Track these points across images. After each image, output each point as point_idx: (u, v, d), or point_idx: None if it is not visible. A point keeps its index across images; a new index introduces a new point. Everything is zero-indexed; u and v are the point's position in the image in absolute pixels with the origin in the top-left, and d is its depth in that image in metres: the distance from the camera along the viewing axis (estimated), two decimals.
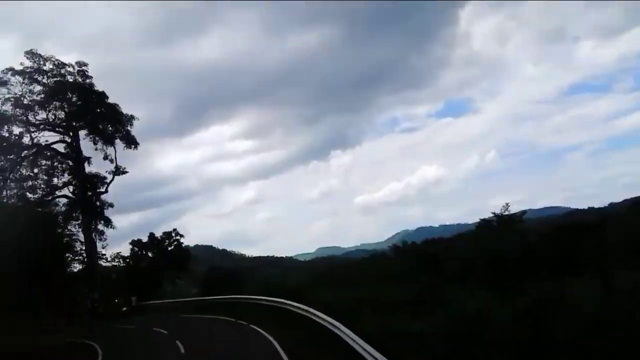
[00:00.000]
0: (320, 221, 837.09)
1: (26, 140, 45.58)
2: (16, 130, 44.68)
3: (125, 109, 48.50)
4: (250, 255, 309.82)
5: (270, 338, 19.57)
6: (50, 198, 46.65)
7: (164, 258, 77.21)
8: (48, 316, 44.18)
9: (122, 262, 78.27)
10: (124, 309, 38.59)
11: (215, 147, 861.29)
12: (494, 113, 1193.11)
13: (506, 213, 69.93)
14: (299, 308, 20.95)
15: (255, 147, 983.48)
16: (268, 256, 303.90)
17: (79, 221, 47.03)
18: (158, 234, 78.71)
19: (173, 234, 78.18)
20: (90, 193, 46.10)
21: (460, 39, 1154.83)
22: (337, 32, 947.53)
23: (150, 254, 77.64)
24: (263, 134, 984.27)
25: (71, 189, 46.73)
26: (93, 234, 46.13)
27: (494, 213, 75.70)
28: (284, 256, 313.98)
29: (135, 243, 76.96)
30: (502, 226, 72.41)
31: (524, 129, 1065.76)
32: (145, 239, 77.58)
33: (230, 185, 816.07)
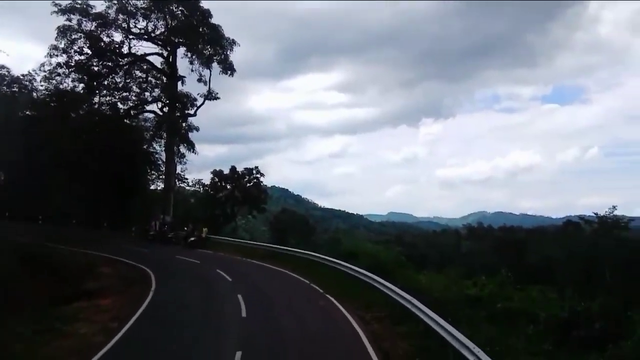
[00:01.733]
0: (397, 186, 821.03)
1: (124, 49, 43.20)
2: (116, 37, 42.27)
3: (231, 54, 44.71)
4: (322, 206, 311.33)
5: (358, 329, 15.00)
6: (138, 111, 44.38)
7: (242, 193, 75.68)
8: (114, 229, 42.97)
9: (202, 189, 77.82)
10: (192, 238, 35.70)
11: (309, 95, 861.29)
12: (606, 106, 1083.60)
13: (611, 216, 60.89)
14: (399, 295, 16.07)
15: (348, 101, 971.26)
16: (339, 210, 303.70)
17: (163, 139, 44.62)
18: (240, 169, 77.25)
19: (254, 171, 75.94)
20: (178, 113, 43.20)
21: (586, 21, 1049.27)
22: None
23: (229, 187, 76.37)
24: (358, 90, 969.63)
25: (159, 106, 44.11)
26: (175, 156, 43.50)
27: (595, 213, 66.28)
28: (355, 213, 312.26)
29: (217, 173, 75.56)
30: (603, 230, 63.39)
31: (638, 129, 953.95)
32: (227, 172, 76.31)
33: (316, 134, 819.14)
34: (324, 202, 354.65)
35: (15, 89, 47.52)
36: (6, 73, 46.76)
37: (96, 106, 43.51)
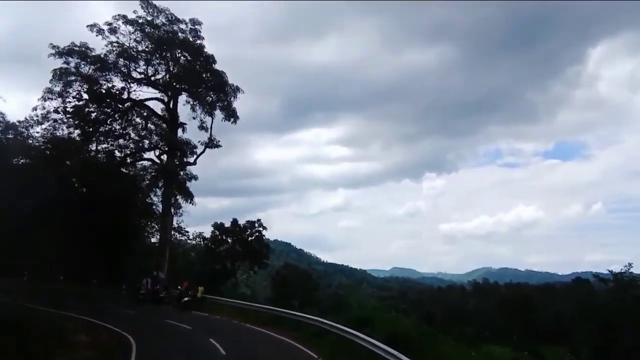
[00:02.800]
0: (401, 240, 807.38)
1: (124, 94, 40.95)
2: (116, 81, 40.08)
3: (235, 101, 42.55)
4: (325, 260, 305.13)
5: None
6: (135, 159, 41.57)
7: (243, 247, 71.95)
8: (103, 285, 39.12)
9: (202, 242, 74.18)
10: (186, 299, 31.81)
11: (312, 149, 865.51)
12: (607, 163, 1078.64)
13: (627, 273, 57.01)
14: None
15: (351, 155, 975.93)
16: (342, 264, 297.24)
17: (160, 189, 41.59)
18: (242, 221, 73.94)
19: (256, 225, 72.59)
20: (177, 162, 40.32)
21: (586, 79, 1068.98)
22: (455, 54, 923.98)
23: (230, 240, 72.72)
24: (361, 144, 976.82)
25: (157, 153, 41.29)
26: (172, 207, 40.22)
27: (610, 271, 62.47)
28: (358, 268, 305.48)
29: (218, 226, 72.15)
30: (618, 288, 59.26)
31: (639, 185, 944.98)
32: (228, 224, 72.92)
33: (320, 188, 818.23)
34: (326, 257, 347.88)
35: (10, 136, 45.11)
36: (0, 119, 44.49)
37: (92, 154, 40.68)
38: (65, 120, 39.77)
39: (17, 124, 44.53)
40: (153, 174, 41.41)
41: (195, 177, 41.32)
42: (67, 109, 39.58)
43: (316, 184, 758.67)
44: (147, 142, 41.19)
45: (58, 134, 41.32)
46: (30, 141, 45.12)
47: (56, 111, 39.54)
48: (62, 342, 20.11)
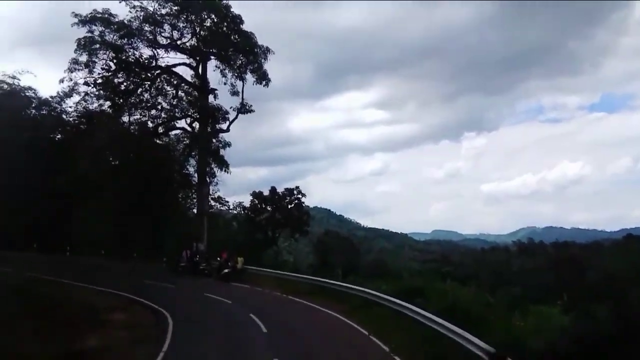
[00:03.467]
0: (441, 203, 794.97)
1: (152, 63, 39.04)
2: (142, 48, 38.12)
3: (268, 67, 39.86)
4: (365, 225, 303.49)
5: None
6: (167, 129, 39.95)
7: (283, 215, 70.64)
8: (145, 259, 38.28)
9: (243, 212, 73.26)
10: (226, 270, 30.34)
11: (347, 114, 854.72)
12: None
13: None
14: None
15: (387, 118, 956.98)
16: (383, 229, 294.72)
17: (195, 158, 40.00)
18: (280, 190, 72.47)
19: (295, 192, 70.93)
20: (209, 129, 38.41)
21: (633, 25, 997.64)
22: (491, 8, 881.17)
23: (269, 209, 71.50)
24: (397, 106, 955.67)
25: (188, 121, 39.46)
26: (207, 177, 38.60)
27: None
28: (399, 232, 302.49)
29: (256, 195, 70.84)
30: None
31: None
32: (267, 193, 71.57)
33: (357, 153, 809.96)
34: (367, 222, 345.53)
35: (44, 112, 44.36)
36: (33, 95, 43.69)
37: (125, 125, 39.30)
38: (96, 92, 38.26)
39: (50, 99, 43.75)
40: (186, 142, 39.72)
41: (228, 144, 39.48)
42: (96, 81, 38.04)
43: (353, 149, 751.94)
44: (178, 110, 39.32)
45: (90, 107, 40.15)
46: (64, 116, 44.37)
47: (86, 83, 38.07)
48: (94, 322, 18.88)
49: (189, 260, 33.11)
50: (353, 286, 22.61)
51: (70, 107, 43.48)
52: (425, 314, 15.94)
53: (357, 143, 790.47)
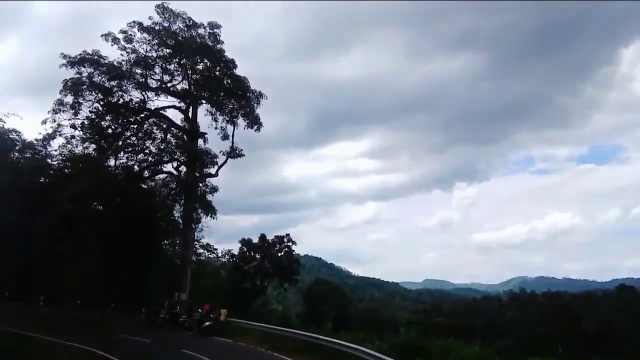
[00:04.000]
0: (432, 252, 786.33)
1: (141, 105, 37.92)
2: (131, 91, 37.07)
3: (260, 112, 39.08)
4: (356, 274, 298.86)
5: None
6: (152, 172, 38.35)
7: (273, 264, 68.29)
8: (123, 310, 35.76)
9: (231, 260, 70.77)
10: (207, 323, 27.99)
11: (340, 163, 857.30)
12: None
13: None
14: None
15: (379, 168, 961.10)
16: (374, 278, 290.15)
17: (181, 203, 38.27)
18: (270, 237, 70.47)
19: (285, 240, 69.02)
20: (197, 174, 36.84)
21: (619, 81, 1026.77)
22: (482, 62, 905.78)
23: (258, 257, 69.21)
24: (388, 156, 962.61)
25: (175, 165, 37.87)
26: (193, 222, 36.67)
27: None
28: (390, 281, 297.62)
29: (245, 243, 68.77)
30: None
31: None
32: (256, 240, 69.52)
33: (349, 202, 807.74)
34: (357, 270, 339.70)
35: (28, 155, 42.76)
36: (17, 137, 42.23)
37: (110, 169, 37.66)
38: (82, 135, 36.78)
39: (35, 142, 42.27)
40: (172, 187, 38.03)
41: (216, 189, 37.74)
42: (83, 124, 36.62)
43: (345, 198, 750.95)
44: (166, 154, 37.77)
45: (75, 150, 38.64)
46: (49, 160, 42.78)
47: (72, 126, 36.61)
48: None
49: (169, 312, 30.75)
50: (347, 343, 20.52)
51: (55, 150, 42.23)
52: None
53: (349, 191, 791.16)
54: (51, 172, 42.57)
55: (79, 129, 36.49)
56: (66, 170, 40.36)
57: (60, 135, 34.80)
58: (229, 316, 29.54)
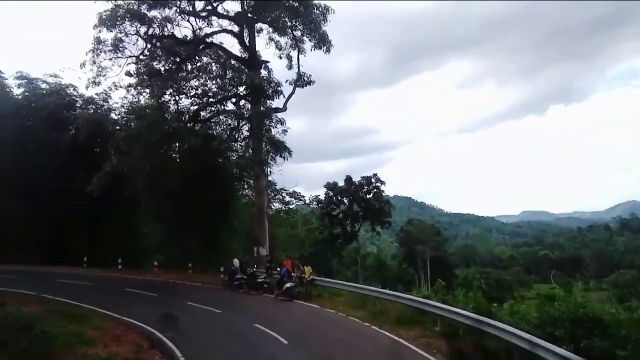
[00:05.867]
0: (528, 182, 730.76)
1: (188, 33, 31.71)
2: (179, 22, 30.93)
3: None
4: (448, 211, 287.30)
5: None
6: (215, 113, 32.41)
7: (362, 206, 62.26)
8: (204, 270, 31.22)
9: (318, 206, 65.79)
10: (288, 285, 22.10)
11: (423, 97, 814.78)
12: None
13: None
14: None
15: (465, 97, 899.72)
16: (467, 214, 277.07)
17: (244, 143, 32.46)
18: (357, 179, 64.26)
19: (373, 180, 62.28)
20: (262, 109, 30.31)
21: None
22: None
23: (346, 201, 63.38)
24: (474, 85, 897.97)
25: (234, 101, 31.55)
26: (265, 166, 30.58)
27: None
28: (485, 215, 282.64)
29: (331, 187, 63.04)
30: None
31: None
32: (342, 184, 63.55)
33: (434, 137, 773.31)
34: (449, 207, 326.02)
35: (90, 110, 38.82)
36: (74, 93, 38.25)
37: (167, 111, 32.35)
38: (133, 79, 31.59)
39: (95, 96, 38.23)
40: (232, 124, 31.87)
41: (284, 124, 30.56)
42: (139, 70, 31.35)
43: (430, 133, 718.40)
44: (228, 89, 31.41)
45: (134, 100, 33.83)
46: (113, 114, 38.68)
47: (128, 74, 31.51)
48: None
49: (244, 271, 25.36)
50: (483, 318, 13.33)
51: (117, 103, 37.97)
52: None
53: (434, 126, 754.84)
54: (117, 128, 38.47)
55: (132, 74, 31.41)
56: (130, 124, 35.78)
57: (104, 78, 29.64)
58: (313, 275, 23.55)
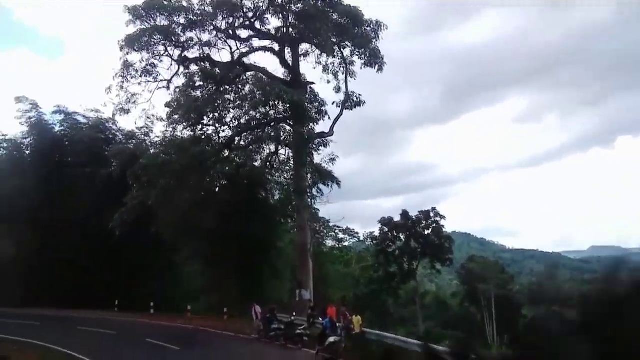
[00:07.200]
0: (596, 216, 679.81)
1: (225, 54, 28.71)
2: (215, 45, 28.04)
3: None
4: (510, 247, 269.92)
5: None
6: (252, 141, 28.78)
7: (420, 242, 56.57)
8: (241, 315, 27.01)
9: (372, 243, 60.76)
10: (332, 339, 17.43)
11: (480, 133, 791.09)
12: None
13: None
14: None
15: (525, 132, 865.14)
16: (531, 249, 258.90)
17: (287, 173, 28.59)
18: (414, 214, 58.84)
19: (431, 214, 56.65)
20: (305, 133, 26.34)
21: None
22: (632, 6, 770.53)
23: (402, 237, 57.90)
24: (534, 118, 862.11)
25: (272, 124, 27.76)
26: (307, 196, 26.42)
27: None
28: (551, 251, 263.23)
29: (386, 222, 57.92)
30: None
31: None
32: (397, 219, 58.27)
33: (494, 171, 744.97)
34: (511, 242, 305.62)
35: (131, 145, 36.64)
36: (114, 127, 36.28)
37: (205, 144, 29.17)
38: (170, 110, 28.80)
39: (137, 131, 36.13)
40: (271, 151, 28.03)
41: (325, 144, 26.33)
42: (179, 100, 28.61)
43: (490, 168, 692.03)
44: (272, 115, 27.89)
45: (174, 133, 30.97)
46: (153, 149, 36.28)
47: (168, 105, 28.87)
48: None
49: (266, 321, 20.95)
50: None
51: (157, 137, 35.50)
52: None
53: (494, 161, 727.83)
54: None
55: (172, 105, 28.63)
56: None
57: (134, 105, 26.98)
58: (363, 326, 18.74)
